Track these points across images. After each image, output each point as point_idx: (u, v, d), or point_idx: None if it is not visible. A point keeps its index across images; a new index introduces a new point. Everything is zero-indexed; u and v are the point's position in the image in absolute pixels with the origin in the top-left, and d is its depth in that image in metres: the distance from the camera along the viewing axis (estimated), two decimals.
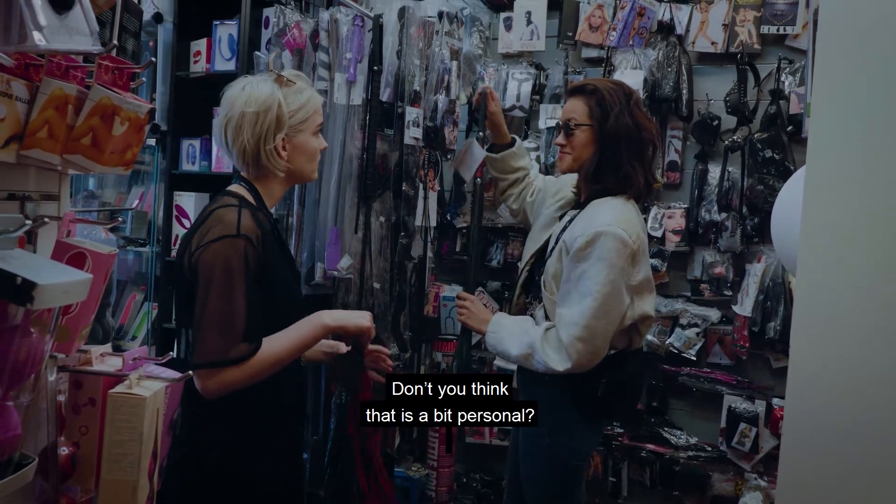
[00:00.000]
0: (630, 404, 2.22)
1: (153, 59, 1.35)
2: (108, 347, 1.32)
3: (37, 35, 0.88)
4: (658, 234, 2.97)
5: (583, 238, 1.85)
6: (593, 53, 3.14)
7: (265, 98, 1.56)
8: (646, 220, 2.98)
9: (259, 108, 1.55)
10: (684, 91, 2.90)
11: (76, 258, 1.16)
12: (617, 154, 1.95)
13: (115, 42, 1.10)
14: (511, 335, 2.00)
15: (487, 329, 2.07)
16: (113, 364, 1.28)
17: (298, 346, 1.57)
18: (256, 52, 2.61)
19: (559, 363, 1.88)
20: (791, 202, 1.76)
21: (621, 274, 1.84)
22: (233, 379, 1.46)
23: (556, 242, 2.00)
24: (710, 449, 2.92)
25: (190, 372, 1.38)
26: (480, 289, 3.14)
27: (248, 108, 1.55)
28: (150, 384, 1.24)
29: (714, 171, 2.93)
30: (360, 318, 1.69)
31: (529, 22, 3.14)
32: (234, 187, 1.62)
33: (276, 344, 1.52)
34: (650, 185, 2.03)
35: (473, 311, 2.16)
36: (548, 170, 3.13)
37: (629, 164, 1.96)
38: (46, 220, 1.08)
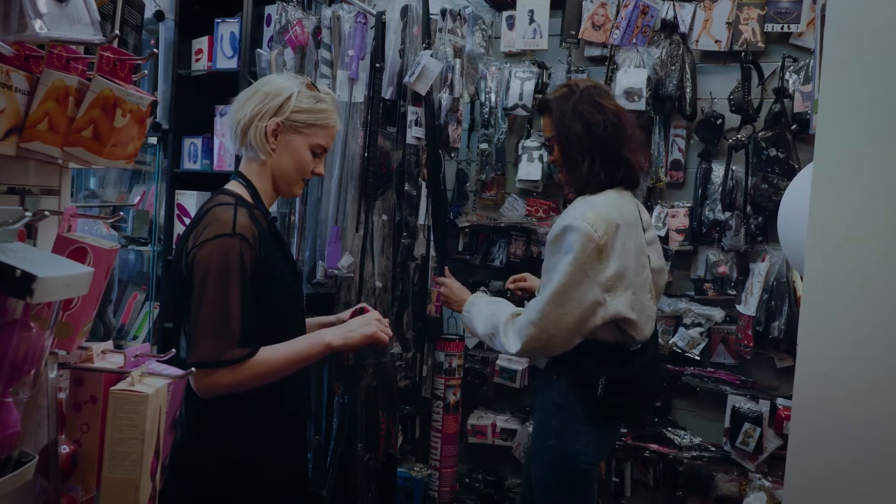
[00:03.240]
0: (638, 406, 2.17)
1: (155, 50, 1.34)
2: (109, 344, 1.30)
3: (37, 23, 0.86)
4: (662, 233, 2.95)
5: (552, 232, 1.92)
6: (596, 52, 3.13)
7: (282, 87, 1.60)
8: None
9: (271, 91, 1.59)
10: (688, 89, 2.89)
11: (77, 253, 1.14)
12: (571, 156, 1.99)
13: (117, 32, 1.08)
14: (480, 316, 2.08)
15: (463, 309, 2.17)
16: (114, 361, 1.26)
17: (298, 360, 1.54)
18: (258, 50, 2.60)
19: (512, 345, 1.93)
20: (798, 200, 1.75)
21: (583, 267, 1.84)
22: (223, 381, 1.45)
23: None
24: (713, 449, 2.90)
25: (193, 369, 1.37)
26: (483, 288, 3.12)
27: (263, 88, 1.61)
28: (153, 381, 1.22)
29: (718, 170, 2.92)
30: (364, 328, 1.62)
31: (532, 20, 3.13)
32: (231, 185, 1.61)
33: (274, 353, 1.50)
34: (632, 170, 2.01)
35: (450, 294, 2.23)
36: (550, 168, 3.12)
37: (584, 163, 1.97)
38: (47, 213, 1.05)
